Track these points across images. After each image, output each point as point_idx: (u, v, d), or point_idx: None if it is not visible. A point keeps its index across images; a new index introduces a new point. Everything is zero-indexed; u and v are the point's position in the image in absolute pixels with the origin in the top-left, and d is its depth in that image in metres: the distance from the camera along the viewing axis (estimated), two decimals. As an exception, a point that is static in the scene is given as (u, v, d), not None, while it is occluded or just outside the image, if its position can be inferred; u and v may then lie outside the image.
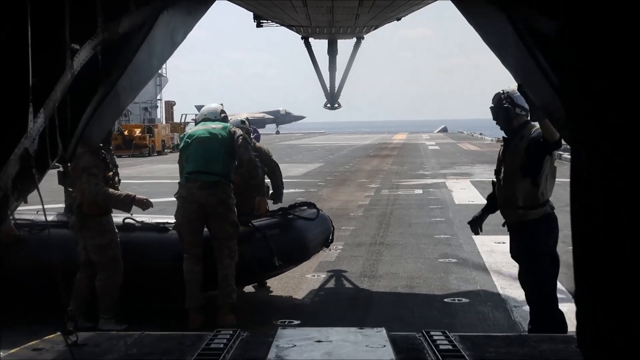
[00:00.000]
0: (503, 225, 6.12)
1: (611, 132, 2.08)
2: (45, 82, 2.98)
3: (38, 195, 3.15)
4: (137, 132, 43.33)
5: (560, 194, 6.24)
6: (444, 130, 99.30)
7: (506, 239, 6.30)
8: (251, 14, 10.59)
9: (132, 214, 7.19)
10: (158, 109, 62.11)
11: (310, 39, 12.94)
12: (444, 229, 12.75)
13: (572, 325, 5.82)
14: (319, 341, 3.90)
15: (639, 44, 1.99)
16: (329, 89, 14.05)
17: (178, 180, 7.14)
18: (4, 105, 2.76)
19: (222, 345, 3.96)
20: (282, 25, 11.20)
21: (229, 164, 7.03)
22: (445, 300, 7.76)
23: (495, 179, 6.20)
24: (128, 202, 6.81)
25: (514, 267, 8.10)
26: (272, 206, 8.44)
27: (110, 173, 6.89)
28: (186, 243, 6.86)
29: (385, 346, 3.82)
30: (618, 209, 2.06)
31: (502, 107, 5.96)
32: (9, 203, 2.88)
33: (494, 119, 6.10)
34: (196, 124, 7.55)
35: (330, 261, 9.66)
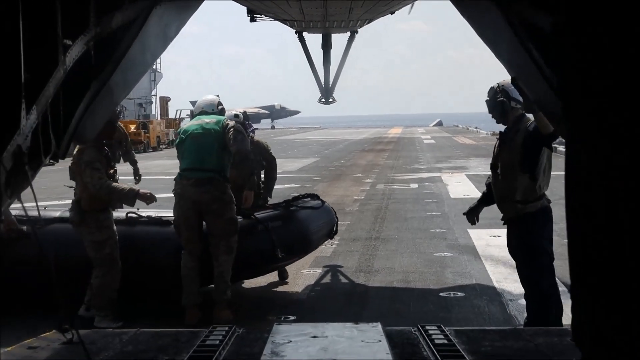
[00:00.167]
0: (502, 220, 6.12)
1: (611, 132, 2.07)
2: (38, 78, 2.96)
3: (32, 192, 3.14)
4: (132, 128, 43.24)
5: (555, 187, 6.24)
6: (440, 124, 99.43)
7: (501, 232, 6.31)
8: (244, 8, 10.56)
9: (138, 209, 7.20)
10: (153, 105, 61.96)
11: (304, 34, 12.92)
12: (439, 223, 12.76)
13: (566, 318, 5.84)
14: (314, 337, 3.89)
15: (639, 43, 1.98)
16: (323, 83, 14.03)
17: (174, 177, 7.12)
18: (-4, 102, 2.75)
19: (217, 342, 3.95)
20: (275, 19, 11.17)
21: (223, 159, 6.95)
22: (441, 294, 7.77)
23: (491, 173, 6.19)
24: (132, 196, 6.78)
25: (509, 261, 8.11)
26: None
27: (112, 170, 6.89)
28: (183, 240, 6.86)
29: (380, 341, 3.82)
30: (618, 209, 2.06)
31: (497, 100, 5.95)
32: (2, 200, 2.87)
33: (489, 112, 6.09)
34: (193, 117, 7.49)
35: (326, 256, 9.66)
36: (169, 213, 7.20)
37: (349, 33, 13.03)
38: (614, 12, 2.04)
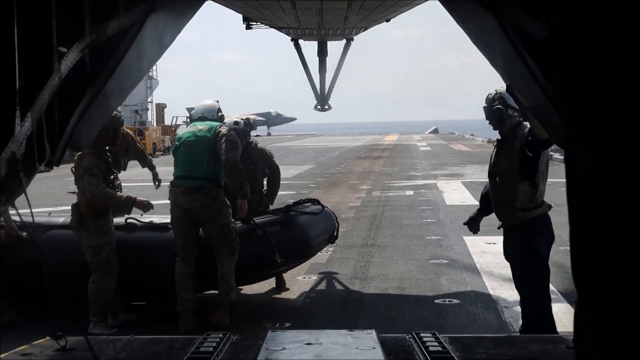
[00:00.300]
0: (499, 228, 6.12)
1: (611, 132, 2.08)
2: (33, 85, 2.96)
3: (26, 199, 3.13)
4: (128, 134, 43.17)
5: (551, 194, 6.25)
6: (435, 131, 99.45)
7: (497, 239, 6.32)
8: (240, 15, 10.59)
9: (141, 214, 7.23)
10: (149, 112, 61.96)
11: (300, 41, 12.95)
12: (435, 230, 12.77)
13: (560, 326, 5.84)
14: (308, 344, 3.89)
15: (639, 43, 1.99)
16: (319, 90, 14.05)
17: (168, 183, 7.15)
18: (-10, 109, 2.75)
19: (211, 349, 3.94)
20: (271, 27, 11.20)
21: (215, 167, 6.94)
22: (436, 301, 7.77)
23: (489, 181, 6.18)
24: (129, 204, 6.81)
25: (504, 268, 8.13)
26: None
27: (112, 176, 6.91)
28: (177, 246, 6.87)
29: (375, 348, 3.82)
30: (618, 209, 2.07)
31: (494, 108, 5.95)
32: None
33: (486, 118, 6.09)
34: (191, 122, 7.46)
35: (322, 263, 9.66)
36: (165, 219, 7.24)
37: (344, 40, 13.07)
38: (615, 11, 2.05)
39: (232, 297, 6.83)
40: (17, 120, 2.82)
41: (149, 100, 62.15)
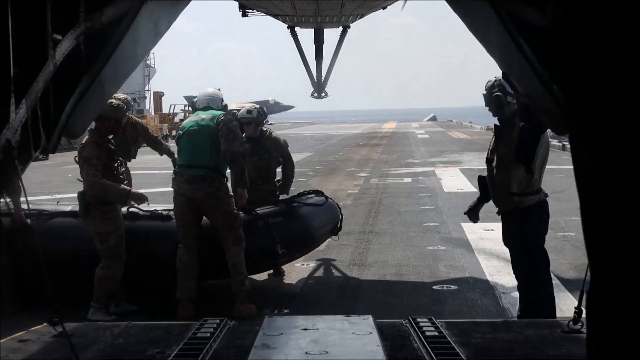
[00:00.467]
0: (498, 213, 6.14)
1: (611, 131, 2.08)
2: (27, 73, 2.96)
3: (21, 186, 3.14)
4: (126, 123, 43.09)
5: (549, 181, 6.26)
6: (433, 118, 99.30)
7: (495, 226, 6.33)
8: (236, 3, 10.57)
9: (148, 203, 7.25)
10: (147, 100, 61.82)
11: (297, 29, 12.93)
12: (433, 216, 12.78)
13: (560, 312, 5.87)
14: (305, 329, 3.91)
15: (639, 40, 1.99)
16: (315, 78, 14.04)
17: (168, 171, 7.16)
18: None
19: (208, 334, 3.97)
20: (267, 14, 11.18)
21: (218, 156, 6.92)
22: (434, 287, 7.79)
23: (486, 168, 6.20)
24: (124, 195, 6.83)
25: (502, 254, 8.16)
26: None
27: (116, 164, 6.93)
28: (180, 235, 6.89)
29: (371, 333, 3.84)
30: (618, 209, 2.07)
31: (494, 94, 5.97)
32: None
33: (486, 105, 6.11)
34: (194, 111, 7.42)
35: (320, 250, 9.64)
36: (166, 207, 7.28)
37: (341, 28, 13.05)
38: (615, 6, 2.05)
39: (246, 285, 6.83)
40: (12, 107, 2.83)
41: (146, 88, 62.00)
